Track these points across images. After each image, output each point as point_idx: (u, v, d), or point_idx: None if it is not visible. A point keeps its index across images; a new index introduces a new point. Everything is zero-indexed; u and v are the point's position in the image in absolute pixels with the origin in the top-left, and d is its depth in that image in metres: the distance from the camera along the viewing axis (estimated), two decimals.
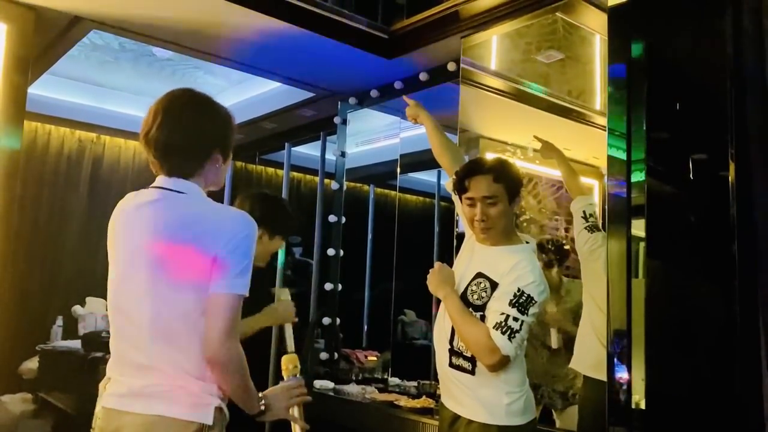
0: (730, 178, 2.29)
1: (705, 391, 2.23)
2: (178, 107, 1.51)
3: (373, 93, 3.96)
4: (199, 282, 1.41)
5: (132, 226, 1.50)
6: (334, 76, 3.87)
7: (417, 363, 4.20)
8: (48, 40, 3.47)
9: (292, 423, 1.77)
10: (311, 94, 4.18)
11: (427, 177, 5.15)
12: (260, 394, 1.58)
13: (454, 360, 1.96)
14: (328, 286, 4.12)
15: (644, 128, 2.39)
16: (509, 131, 3.75)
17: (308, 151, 5.17)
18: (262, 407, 1.56)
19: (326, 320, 4.10)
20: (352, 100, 4.14)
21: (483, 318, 1.91)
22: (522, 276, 1.90)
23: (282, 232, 2.29)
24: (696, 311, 2.33)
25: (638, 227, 2.33)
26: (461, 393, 1.95)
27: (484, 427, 1.89)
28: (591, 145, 3.93)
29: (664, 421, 2.22)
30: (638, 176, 2.37)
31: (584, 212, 2.78)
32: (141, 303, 1.44)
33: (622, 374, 2.29)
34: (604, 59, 3.19)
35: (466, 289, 1.98)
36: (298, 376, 1.85)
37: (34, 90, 4.15)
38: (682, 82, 2.51)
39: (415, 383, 3.53)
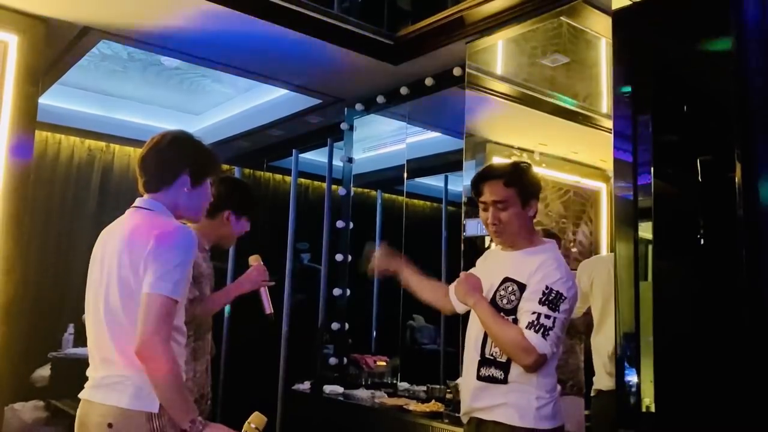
0: (736, 179, 2.29)
1: (714, 393, 2.22)
2: (158, 138, 1.80)
3: (380, 99, 3.98)
4: (137, 285, 1.59)
5: (105, 241, 1.75)
6: (340, 83, 3.89)
7: (426, 367, 4.21)
8: (58, 51, 3.51)
9: None
10: (318, 101, 4.20)
11: (434, 182, 5.16)
12: (201, 419, 1.57)
13: (483, 371, 1.94)
14: (337, 292, 4.13)
15: (650, 131, 2.39)
16: (515, 135, 3.76)
17: (315, 157, 5.20)
18: (193, 426, 1.54)
19: (335, 325, 4.11)
20: (358, 106, 4.17)
21: (515, 321, 1.91)
22: (548, 274, 1.91)
23: (246, 212, 2.38)
24: (704, 313, 2.33)
25: (645, 229, 2.33)
26: (490, 400, 1.93)
27: (512, 430, 1.88)
28: (598, 148, 3.93)
29: (673, 424, 2.21)
30: (645, 179, 2.38)
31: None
32: (100, 304, 1.65)
33: (631, 377, 2.29)
34: (609, 62, 3.20)
35: (495, 294, 1.98)
36: None
37: (45, 100, 4.19)
38: (687, 84, 2.51)
39: (424, 388, 3.53)
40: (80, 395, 1.68)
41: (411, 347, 4.82)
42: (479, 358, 1.96)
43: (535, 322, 1.84)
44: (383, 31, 3.46)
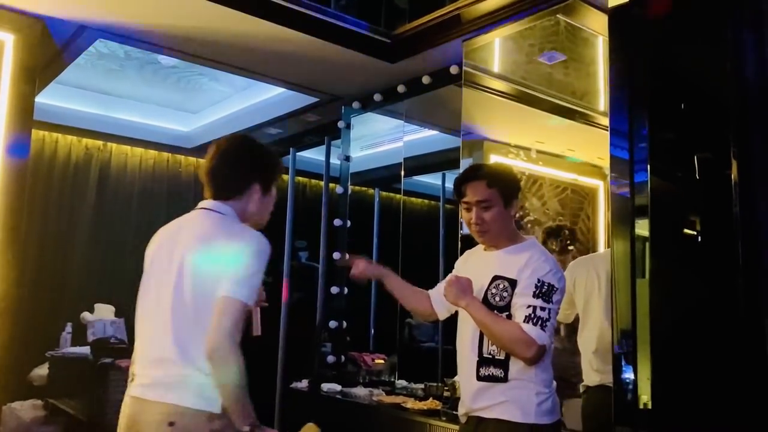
0: (732, 176, 2.30)
1: (711, 390, 2.23)
2: (229, 142, 1.81)
3: (377, 97, 3.98)
4: (211, 288, 1.60)
5: (171, 239, 1.74)
6: (337, 81, 3.89)
7: (424, 365, 4.22)
8: (55, 50, 3.51)
9: None
10: (315, 99, 4.21)
11: (431, 180, 5.16)
12: (258, 423, 1.60)
13: (482, 371, 1.96)
14: (335, 290, 4.14)
15: (647, 128, 2.40)
16: (513, 133, 3.77)
17: (313, 155, 5.20)
18: (251, 430, 1.58)
19: (333, 324, 4.11)
20: (355, 105, 4.17)
21: (509, 317, 1.94)
22: (538, 267, 1.95)
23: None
24: (701, 310, 2.33)
25: (642, 227, 2.34)
26: (491, 399, 1.94)
27: (515, 426, 1.90)
28: (595, 145, 3.93)
29: (671, 421, 2.22)
30: (641, 176, 2.38)
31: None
32: (167, 304, 1.64)
33: (628, 374, 2.29)
34: (606, 60, 3.21)
35: (486, 293, 2.00)
36: None
37: (42, 99, 4.19)
38: (683, 81, 2.52)
39: (422, 385, 3.54)
40: (131, 393, 1.68)
41: (409, 345, 4.82)
42: (477, 359, 1.97)
43: (532, 315, 1.88)
44: (380, 29, 3.46)
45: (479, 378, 1.96)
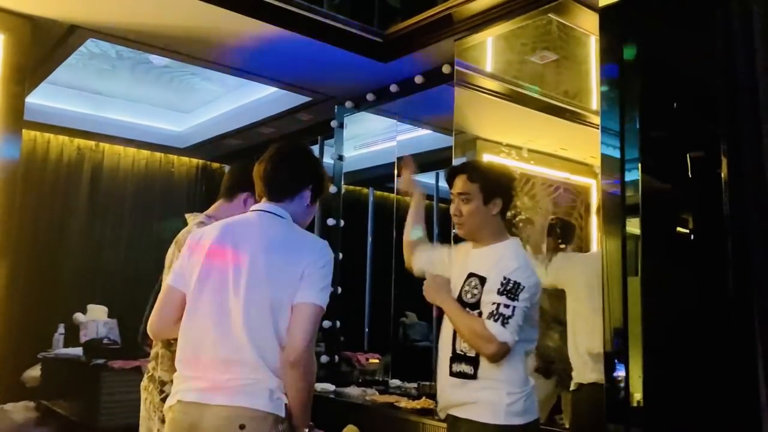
0: (722, 174, 2.31)
1: (702, 386, 2.24)
2: (290, 148, 1.86)
3: (370, 96, 3.98)
4: (286, 292, 1.62)
5: (234, 238, 1.70)
6: (330, 81, 3.89)
7: (418, 365, 4.22)
8: (45, 50, 3.49)
9: None
10: (308, 99, 4.20)
11: (425, 179, 5.16)
12: (312, 424, 1.67)
13: (454, 368, 1.99)
14: None
15: (638, 127, 2.41)
16: (505, 132, 3.77)
17: None
18: (309, 430, 1.64)
19: (326, 323, 4.11)
20: (348, 104, 4.16)
21: (480, 315, 1.96)
22: (505, 265, 1.97)
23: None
24: (692, 308, 2.34)
25: (633, 225, 2.35)
26: (463, 397, 1.97)
27: (483, 427, 1.91)
28: (588, 144, 3.94)
29: (663, 418, 2.23)
30: (632, 175, 2.39)
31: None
32: (237, 305, 1.62)
33: (619, 372, 2.30)
34: (598, 59, 3.22)
35: (461, 290, 2.04)
36: None
37: (33, 99, 4.18)
38: (674, 80, 2.53)
39: (415, 385, 3.54)
40: (183, 398, 1.61)
41: (403, 344, 4.82)
42: (451, 354, 2.01)
43: (495, 312, 1.90)
44: (372, 29, 3.46)
45: (451, 373, 1.99)
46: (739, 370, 2.20)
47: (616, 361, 2.31)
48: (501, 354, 1.91)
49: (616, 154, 2.42)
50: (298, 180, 1.81)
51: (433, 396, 3.06)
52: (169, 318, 1.71)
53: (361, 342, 4.82)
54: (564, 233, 3.21)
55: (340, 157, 4.30)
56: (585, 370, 2.80)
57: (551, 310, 3.09)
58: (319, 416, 3.56)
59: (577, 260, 3.04)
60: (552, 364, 3.06)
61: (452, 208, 2.11)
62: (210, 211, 2.33)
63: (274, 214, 1.75)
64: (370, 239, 5.15)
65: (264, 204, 1.79)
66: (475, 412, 1.94)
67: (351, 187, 5.06)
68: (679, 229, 2.43)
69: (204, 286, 1.66)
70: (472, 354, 1.96)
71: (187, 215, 2.28)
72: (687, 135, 2.50)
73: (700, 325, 2.30)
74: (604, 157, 2.46)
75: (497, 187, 2.10)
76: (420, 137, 4.52)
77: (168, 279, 1.76)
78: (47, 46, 3.44)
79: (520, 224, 3.47)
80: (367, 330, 4.92)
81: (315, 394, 3.63)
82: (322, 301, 1.63)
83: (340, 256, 4.20)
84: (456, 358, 2.00)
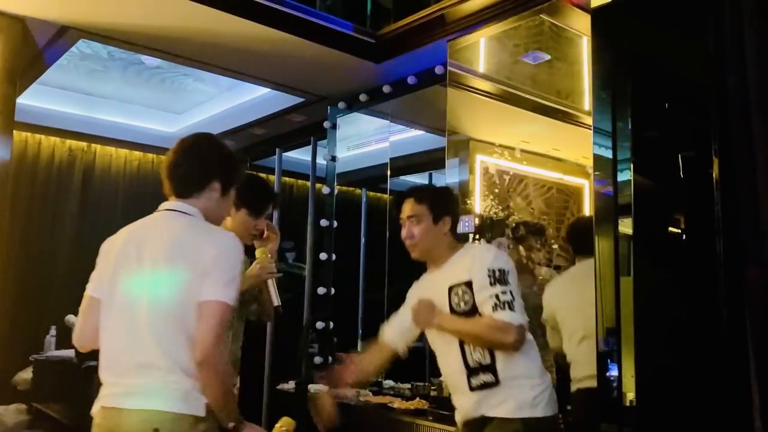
0: (714, 174, 2.32)
1: (694, 386, 2.25)
2: (190, 141, 1.77)
3: (362, 97, 3.98)
4: (190, 291, 1.57)
5: (138, 242, 1.68)
6: (323, 81, 3.89)
7: (411, 365, 4.21)
8: (36, 50, 3.47)
9: None
10: (301, 99, 4.20)
11: (419, 180, 5.16)
12: (241, 419, 1.62)
13: (474, 382, 2.00)
14: (321, 291, 4.13)
15: (629, 127, 2.41)
16: (498, 133, 3.77)
17: (299, 156, 5.18)
18: (236, 426, 1.60)
19: (320, 324, 4.11)
20: (341, 105, 4.16)
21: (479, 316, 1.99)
22: (483, 258, 2.03)
23: (247, 205, 2.29)
24: (684, 308, 2.35)
25: (626, 225, 2.35)
26: (488, 401, 1.99)
27: (508, 422, 1.95)
28: (580, 145, 3.95)
29: (656, 418, 2.23)
30: (625, 175, 2.39)
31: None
32: (142, 309, 1.60)
33: (612, 371, 2.31)
34: (591, 60, 3.23)
35: (450, 303, 2.05)
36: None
37: (24, 100, 4.15)
38: (666, 81, 2.54)
39: (408, 385, 3.54)
40: (103, 403, 1.61)
41: None
42: (466, 371, 2.01)
43: (498, 303, 1.94)
44: (365, 30, 3.46)
45: (472, 389, 2.00)
46: (731, 369, 2.20)
47: (608, 360, 2.32)
48: (522, 337, 1.94)
49: (608, 154, 2.43)
50: (204, 172, 1.74)
51: (426, 396, 3.06)
52: (91, 327, 1.70)
53: (354, 343, 4.81)
54: (533, 235, 3.22)
55: (333, 158, 4.29)
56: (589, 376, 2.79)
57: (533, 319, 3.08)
58: (313, 417, 3.55)
59: (563, 285, 3.00)
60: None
61: (403, 233, 2.15)
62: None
63: (179, 211, 1.71)
64: (363, 240, 5.15)
65: (169, 202, 1.75)
66: (501, 409, 1.97)
67: (344, 188, 5.05)
68: (671, 229, 2.44)
69: (114, 293, 1.66)
70: (487, 361, 1.99)
71: None
72: (679, 135, 2.51)
73: (693, 324, 2.31)
74: (597, 158, 2.47)
75: (444, 206, 2.17)
76: (413, 138, 4.53)
77: (87, 288, 1.76)
78: (38, 46, 3.42)
79: (513, 225, 3.48)
80: (360, 331, 4.92)
81: (310, 396, 3.63)
82: (226, 296, 1.58)
83: (333, 257, 4.19)
84: (473, 372, 2.01)
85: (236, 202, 2.25)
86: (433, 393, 2.92)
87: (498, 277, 1.97)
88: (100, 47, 3.83)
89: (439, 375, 2.97)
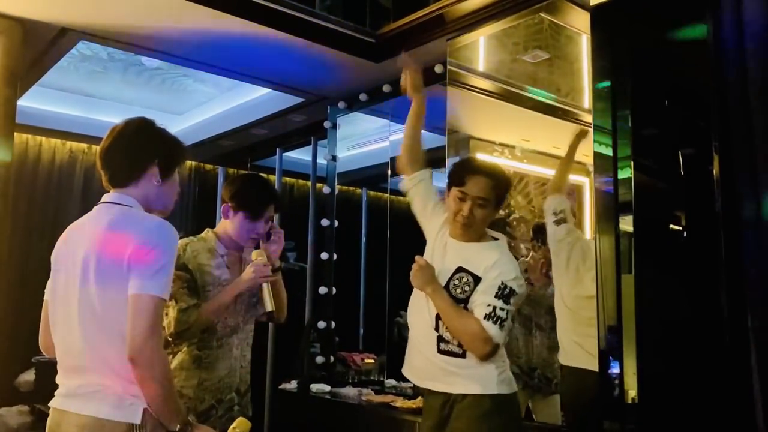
0: (714, 171, 2.32)
1: (697, 383, 2.25)
2: (121, 127, 1.68)
3: (362, 96, 3.98)
4: (117, 286, 1.50)
5: (74, 238, 1.64)
6: (323, 81, 3.89)
7: None
8: (36, 52, 3.48)
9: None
10: (301, 99, 4.20)
11: None
12: (191, 420, 1.56)
13: (443, 346, 2.04)
14: (323, 290, 4.13)
15: (630, 125, 2.42)
16: (498, 131, 3.78)
17: (300, 156, 5.19)
18: (183, 428, 1.51)
19: (321, 324, 4.11)
20: (341, 104, 4.16)
21: (466, 310, 2.02)
22: (505, 271, 2.03)
23: (245, 207, 2.23)
24: (686, 305, 2.35)
25: (627, 223, 2.35)
26: (452, 374, 2.03)
27: (478, 398, 1.99)
28: (581, 143, 3.95)
29: (658, 415, 2.24)
30: (625, 173, 2.40)
31: (554, 209, 2.90)
32: (74, 309, 1.54)
33: (614, 369, 2.31)
34: (590, 58, 3.22)
35: (449, 283, 2.06)
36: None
37: (24, 102, 4.16)
38: (666, 78, 2.54)
39: (411, 384, 3.53)
40: (51, 404, 1.58)
41: (399, 344, 4.82)
42: (437, 334, 2.06)
43: (492, 314, 1.96)
44: (364, 29, 3.46)
45: (440, 351, 2.04)
46: (733, 367, 2.21)
47: (610, 357, 2.32)
48: (492, 354, 1.99)
49: (609, 152, 2.43)
50: (138, 158, 1.65)
51: None
52: (48, 330, 1.68)
53: (356, 342, 4.82)
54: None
55: (334, 158, 4.29)
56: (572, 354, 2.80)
57: (534, 315, 3.10)
58: (316, 417, 3.57)
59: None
60: (534, 372, 3.06)
61: (463, 208, 2.06)
62: (217, 227, 2.35)
63: (113, 203, 1.63)
64: (364, 239, 5.15)
65: (108, 194, 1.67)
66: (467, 386, 2.01)
67: (345, 188, 5.06)
68: (672, 226, 2.44)
69: (56, 296, 1.63)
70: (456, 343, 2.03)
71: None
72: (679, 132, 2.51)
73: (694, 321, 2.31)
74: (597, 155, 2.47)
75: (506, 193, 2.17)
76: None
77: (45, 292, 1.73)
78: (38, 48, 3.42)
79: (514, 223, 3.48)
80: (362, 330, 4.92)
81: (311, 396, 3.65)
82: (155, 288, 1.48)
83: (335, 256, 4.20)
84: (441, 338, 2.05)
85: (234, 203, 2.24)
86: (421, 382, 2.91)
87: (506, 294, 2.00)
88: (100, 49, 3.83)
89: None
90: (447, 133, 3.29)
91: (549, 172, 4.04)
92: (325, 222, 4.21)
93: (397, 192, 5.12)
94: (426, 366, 2.09)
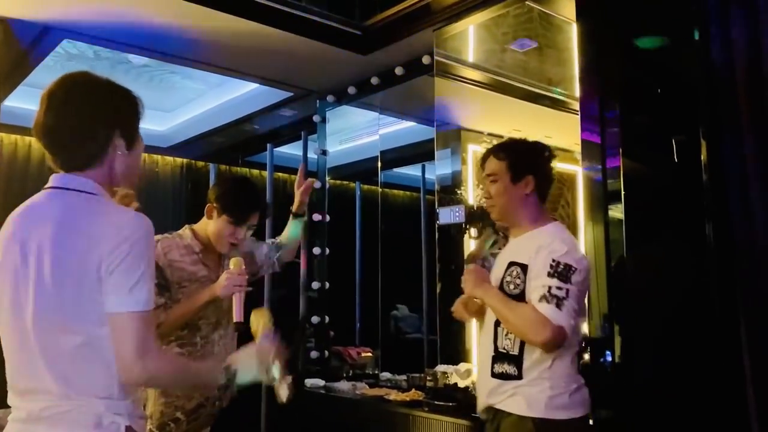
0: (702, 158, 2.32)
1: (690, 369, 2.25)
2: (65, 88, 1.34)
3: (351, 90, 3.96)
4: (88, 297, 1.25)
5: (20, 233, 1.30)
6: (310, 75, 3.86)
7: (408, 357, 4.22)
8: (20, 52, 3.44)
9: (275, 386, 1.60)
10: (289, 94, 4.17)
11: (412, 171, 5.14)
12: (227, 362, 1.45)
13: (496, 368, 1.89)
14: (316, 285, 4.12)
15: (618, 113, 2.41)
16: (489, 122, 3.76)
17: (291, 151, 5.16)
18: (225, 378, 1.41)
19: (315, 319, 4.10)
20: (330, 98, 4.14)
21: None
22: (553, 249, 1.83)
23: (229, 211, 2.20)
24: (677, 291, 2.35)
25: (616, 211, 2.35)
26: (503, 393, 1.88)
27: (521, 419, 1.81)
28: (572, 132, 3.93)
29: (650, 402, 2.24)
30: (614, 161, 2.39)
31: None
32: (29, 323, 1.27)
33: (607, 357, 2.31)
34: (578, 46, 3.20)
35: (502, 281, 1.92)
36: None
37: (11, 102, 4.11)
38: (653, 66, 2.53)
39: (405, 377, 3.54)
40: (10, 430, 1.29)
41: (395, 337, 4.82)
42: (493, 354, 1.91)
43: (547, 294, 1.76)
44: (351, 21, 3.43)
45: (493, 375, 1.90)
46: (724, 350, 2.21)
47: (603, 346, 2.32)
48: (558, 340, 1.75)
49: (597, 140, 2.42)
50: (97, 128, 1.32)
51: (422, 387, 3.06)
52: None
53: (352, 336, 4.81)
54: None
55: (324, 152, 4.28)
56: None
57: None
58: (311, 412, 3.56)
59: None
60: None
61: (482, 194, 2.03)
62: (196, 224, 2.31)
63: (65, 188, 1.32)
64: (358, 233, 5.14)
65: (57, 177, 1.35)
66: (515, 405, 1.84)
67: (338, 182, 5.04)
68: (661, 213, 2.43)
69: (2, 301, 1.31)
70: (515, 352, 1.85)
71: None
72: (667, 120, 2.50)
73: (686, 308, 2.31)
74: (585, 144, 2.46)
75: (527, 164, 1.98)
76: (405, 129, 4.51)
77: None
78: (21, 48, 3.39)
79: None
80: (358, 324, 4.91)
81: (306, 390, 3.63)
82: (138, 304, 1.24)
83: (327, 251, 4.19)
84: (498, 357, 1.89)
85: (219, 205, 2.21)
86: (428, 384, 2.92)
87: (560, 271, 1.78)
88: (86, 47, 3.80)
89: (434, 366, 2.98)
90: (435, 124, 3.28)
91: None
92: (317, 217, 4.19)
93: (390, 185, 5.12)
94: (483, 389, 1.96)
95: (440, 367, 2.91)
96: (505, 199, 1.96)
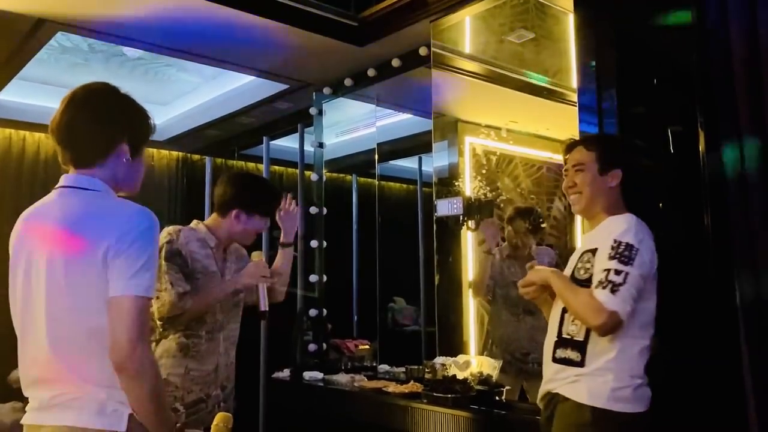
0: (700, 148, 2.31)
1: (683, 357, 2.25)
2: (86, 92, 1.48)
3: (347, 82, 3.94)
4: (91, 285, 1.34)
5: (33, 230, 1.44)
6: (306, 67, 3.84)
7: (406, 349, 4.22)
8: (13, 45, 3.42)
9: None
10: (285, 86, 4.15)
11: (409, 164, 5.13)
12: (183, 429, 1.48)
13: (559, 353, 1.88)
14: (313, 278, 4.12)
15: (615, 103, 2.40)
16: (486, 113, 3.74)
17: (287, 143, 5.15)
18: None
19: (313, 312, 4.10)
20: (326, 90, 4.12)
21: None
22: (615, 229, 1.83)
23: (257, 209, 2.33)
24: (675, 282, 2.34)
25: None
26: (566, 379, 1.86)
27: (579, 407, 1.79)
28: (570, 123, 3.92)
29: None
30: None
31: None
32: (39, 315, 1.37)
33: None
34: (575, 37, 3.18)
35: (575, 268, 1.93)
36: None
37: (5, 96, 4.10)
38: (650, 56, 2.52)
39: (403, 369, 3.54)
40: (24, 420, 1.41)
41: (392, 329, 4.83)
42: (556, 338, 1.91)
43: (604, 280, 1.75)
44: (347, 12, 3.41)
45: (554, 359, 1.89)
46: (721, 343, 2.21)
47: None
48: (611, 325, 1.74)
49: (594, 130, 2.41)
50: (108, 132, 1.45)
51: (420, 379, 3.06)
52: None
53: (350, 329, 4.81)
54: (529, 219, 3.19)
55: (320, 144, 4.26)
56: None
57: (521, 299, 3.08)
58: (309, 404, 3.56)
59: None
60: (528, 356, 3.04)
61: (565, 183, 2.00)
62: (208, 221, 2.37)
63: (76, 187, 1.43)
64: (355, 226, 5.13)
65: (67, 176, 1.46)
66: (575, 391, 1.81)
67: (335, 175, 5.02)
68: (658, 203, 2.43)
69: (15, 296, 1.45)
70: (579, 338, 1.84)
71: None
72: (665, 110, 2.50)
73: (683, 299, 2.30)
74: (583, 135, 2.45)
75: (616, 157, 1.99)
76: (400, 122, 4.49)
77: None
78: (14, 41, 3.36)
79: (502, 205, 3.46)
80: (356, 317, 4.92)
81: (304, 383, 3.63)
82: (139, 288, 1.32)
83: (324, 244, 4.18)
84: (561, 342, 1.89)
85: (248, 208, 2.31)
86: (427, 375, 2.92)
87: (620, 252, 1.76)
88: (80, 40, 3.77)
89: (433, 357, 2.98)
90: (432, 116, 3.26)
91: (538, 153, 4.02)
92: (313, 209, 4.18)
93: (387, 178, 5.11)
94: (546, 373, 1.95)
95: (439, 359, 2.91)
96: (591, 189, 1.96)
